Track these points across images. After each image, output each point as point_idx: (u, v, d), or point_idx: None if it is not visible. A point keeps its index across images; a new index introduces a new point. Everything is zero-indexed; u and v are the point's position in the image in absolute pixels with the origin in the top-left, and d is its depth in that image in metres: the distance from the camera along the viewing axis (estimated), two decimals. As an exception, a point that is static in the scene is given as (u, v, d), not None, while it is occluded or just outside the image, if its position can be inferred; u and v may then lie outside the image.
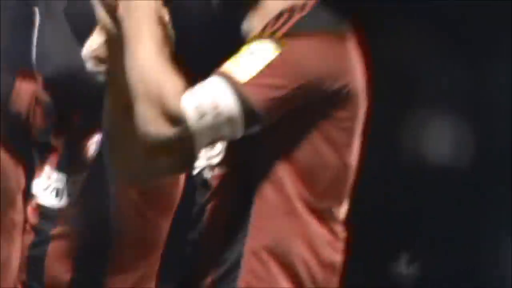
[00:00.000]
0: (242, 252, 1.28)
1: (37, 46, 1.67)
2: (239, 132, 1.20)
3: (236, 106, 1.18)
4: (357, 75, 1.27)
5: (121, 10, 1.24)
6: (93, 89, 1.57)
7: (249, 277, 1.27)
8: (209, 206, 1.33)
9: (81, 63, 1.62)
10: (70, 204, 1.70)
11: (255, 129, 1.20)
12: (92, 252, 1.68)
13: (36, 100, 1.73)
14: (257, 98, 1.19)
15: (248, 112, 1.19)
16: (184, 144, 1.20)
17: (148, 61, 1.21)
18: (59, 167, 1.73)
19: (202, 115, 1.17)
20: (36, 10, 1.69)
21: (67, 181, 1.71)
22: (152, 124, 1.17)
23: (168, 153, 1.26)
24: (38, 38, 1.67)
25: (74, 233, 1.70)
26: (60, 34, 1.64)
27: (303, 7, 1.28)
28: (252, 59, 1.21)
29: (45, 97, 1.70)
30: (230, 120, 1.18)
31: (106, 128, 1.37)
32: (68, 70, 1.63)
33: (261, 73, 1.20)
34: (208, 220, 1.33)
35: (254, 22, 1.34)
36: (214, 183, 1.33)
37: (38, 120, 1.73)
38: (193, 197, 1.39)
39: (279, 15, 1.28)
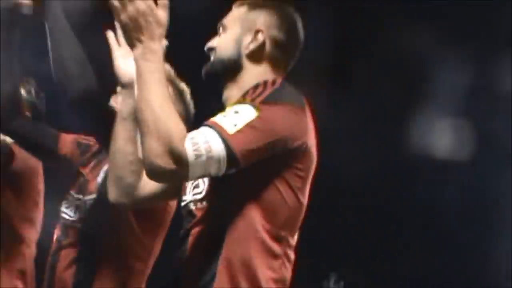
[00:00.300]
0: (217, 267, 1.55)
1: (54, 64, 1.90)
2: (222, 171, 1.49)
3: (223, 151, 1.47)
4: (311, 136, 1.60)
5: (139, 51, 1.51)
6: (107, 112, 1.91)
7: (221, 286, 1.54)
8: (192, 231, 1.61)
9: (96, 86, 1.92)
10: (77, 219, 2.06)
11: (233, 170, 1.50)
12: (87, 258, 2.03)
13: (77, 144, 2.15)
14: (238, 147, 1.49)
15: (231, 157, 1.48)
16: (181, 176, 1.49)
17: (159, 106, 1.49)
18: (79, 190, 2.12)
19: (198, 156, 1.46)
20: (46, 25, 1.91)
21: (82, 200, 2.09)
22: (159, 158, 1.45)
23: (166, 181, 1.60)
24: (53, 55, 1.90)
25: (77, 243, 2.06)
26: (77, 53, 1.90)
27: (273, 82, 1.61)
28: (237, 117, 1.51)
29: (84, 140, 2.09)
30: (218, 161, 1.48)
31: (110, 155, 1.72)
32: (90, 93, 1.91)
33: (243, 129, 1.50)
34: (191, 241, 1.61)
35: (232, 91, 1.67)
36: (197, 213, 1.62)
37: (76, 158, 2.15)
38: (180, 223, 1.67)
39: (255, 86, 1.60)
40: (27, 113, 2.36)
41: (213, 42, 1.69)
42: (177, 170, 1.46)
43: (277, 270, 1.58)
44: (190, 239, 1.62)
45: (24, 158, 2.38)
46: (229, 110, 1.54)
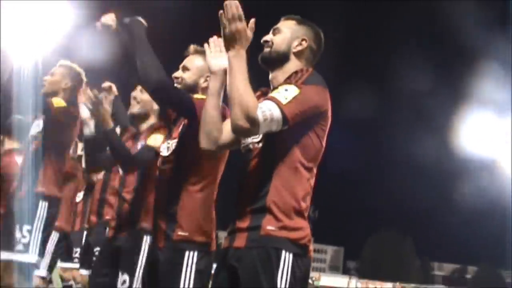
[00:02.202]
0: (269, 186, 2.24)
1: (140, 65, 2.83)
2: (279, 128, 2.17)
3: (280, 115, 2.15)
4: (329, 107, 2.34)
5: (232, 53, 2.19)
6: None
7: (271, 199, 2.22)
8: (251, 163, 2.32)
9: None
10: (169, 155, 3.04)
11: (286, 127, 2.18)
12: (179, 173, 3.03)
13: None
14: (289, 112, 2.17)
15: (284, 119, 2.16)
16: (254, 131, 2.16)
17: (242, 87, 2.15)
18: (167, 137, 3.08)
19: (265, 119, 2.14)
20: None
21: (170, 143, 3.04)
22: (241, 121, 2.12)
23: (244, 136, 2.27)
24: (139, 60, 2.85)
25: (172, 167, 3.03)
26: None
27: (307, 70, 2.34)
28: (287, 93, 2.20)
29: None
30: (277, 122, 2.15)
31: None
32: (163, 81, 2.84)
33: (291, 101, 2.18)
34: (250, 169, 2.32)
35: (278, 74, 2.41)
36: (255, 150, 2.32)
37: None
38: (243, 157, 2.38)
39: (295, 72, 2.33)
40: None
41: (267, 37, 2.45)
42: (251, 128, 2.15)
43: (306, 188, 2.30)
44: (249, 168, 2.32)
45: None
46: (281, 88, 2.25)
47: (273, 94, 2.24)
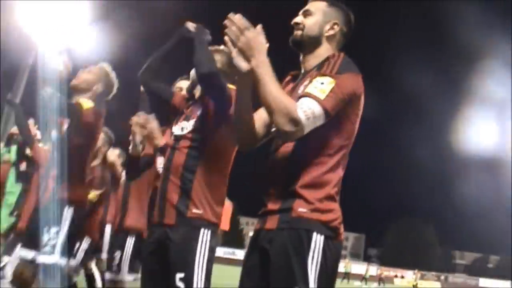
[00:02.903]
0: (301, 170, 2.23)
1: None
2: (322, 123, 2.17)
3: (321, 111, 2.16)
4: (363, 90, 2.33)
5: (254, 63, 2.13)
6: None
7: (303, 183, 2.22)
8: (282, 146, 2.33)
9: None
10: (185, 133, 3.22)
11: (328, 119, 2.18)
12: (196, 151, 3.20)
13: (185, 98, 3.43)
14: (329, 106, 2.17)
15: (326, 113, 2.17)
16: (300, 133, 2.15)
17: (276, 93, 2.13)
18: (184, 119, 3.28)
19: (307, 118, 2.14)
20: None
21: (186, 124, 3.21)
22: (285, 126, 2.11)
23: (292, 139, 2.24)
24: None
25: (189, 145, 3.20)
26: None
27: (339, 55, 2.32)
28: (323, 87, 2.19)
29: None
30: (320, 117, 2.16)
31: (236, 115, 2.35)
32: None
33: (329, 94, 2.18)
34: (281, 153, 2.33)
35: (309, 57, 2.41)
36: None
37: (182, 105, 3.38)
38: (274, 142, 2.40)
39: (326, 59, 2.32)
40: None
41: (298, 19, 2.43)
42: (297, 131, 2.15)
43: (338, 172, 2.31)
44: (280, 151, 2.33)
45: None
46: (316, 82, 2.23)
47: (310, 90, 2.23)
